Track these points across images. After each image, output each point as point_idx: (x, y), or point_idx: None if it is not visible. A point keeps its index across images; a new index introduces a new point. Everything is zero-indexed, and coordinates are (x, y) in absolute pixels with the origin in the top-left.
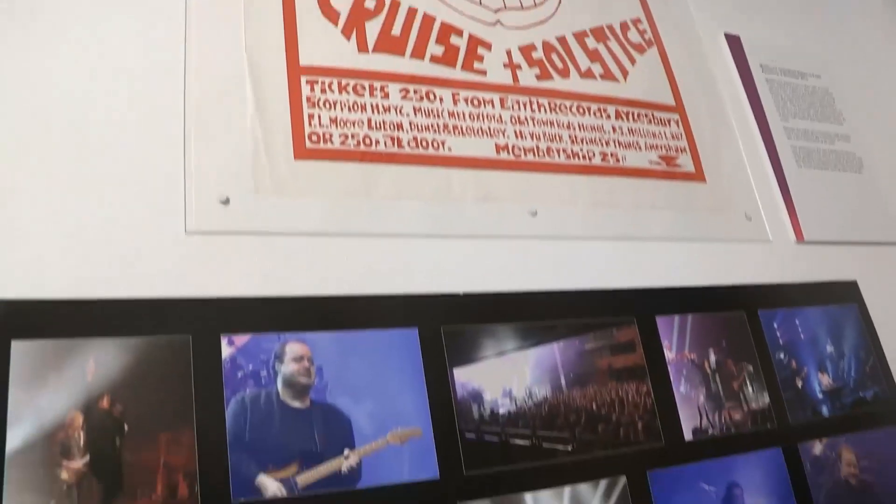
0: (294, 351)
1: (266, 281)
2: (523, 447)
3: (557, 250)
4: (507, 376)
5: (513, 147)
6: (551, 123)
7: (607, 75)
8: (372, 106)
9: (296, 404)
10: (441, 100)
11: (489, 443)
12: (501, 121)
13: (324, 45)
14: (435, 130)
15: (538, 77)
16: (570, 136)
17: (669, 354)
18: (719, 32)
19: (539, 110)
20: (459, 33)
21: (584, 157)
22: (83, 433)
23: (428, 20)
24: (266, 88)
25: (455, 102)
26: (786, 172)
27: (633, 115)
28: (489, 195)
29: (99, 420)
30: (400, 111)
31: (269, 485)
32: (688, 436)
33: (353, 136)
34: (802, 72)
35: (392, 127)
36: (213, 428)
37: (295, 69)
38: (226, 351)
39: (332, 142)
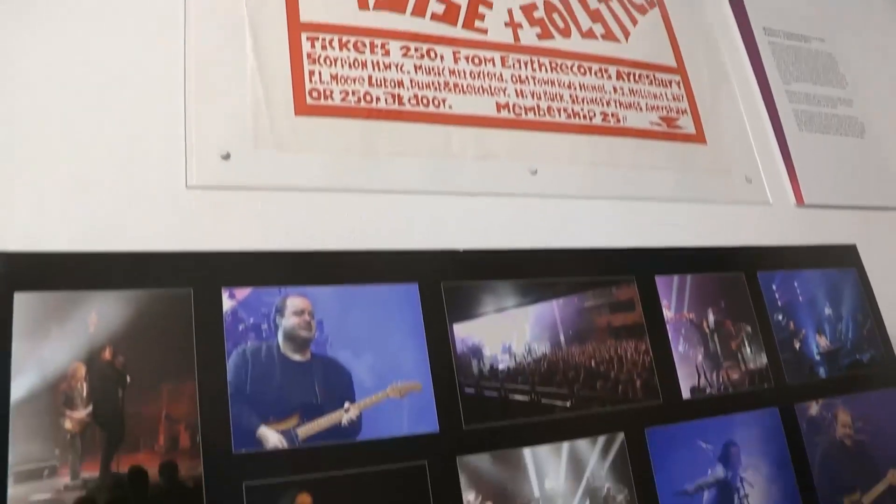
0: (295, 305)
1: (267, 235)
2: (522, 403)
3: (557, 209)
4: (506, 332)
5: (513, 106)
6: (552, 83)
7: (608, 35)
8: (373, 63)
9: (296, 357)
10: (442, 58)
11: (488, 398)
12: (502, 79)
13: (325, 1)
14: (435, 88)
15: (539, 36)
16: (570, 96)
17: (668, 314)
18: None
19: (540, 69)
20: None
21: (584, 116)
22: (86, 384)
23: None
24: (267, 45)
25: (456, 61)
26: (787, 136)
27: (634, 75)
28: (489, 153)
29: (101, 371)
30: (400, 69)
31: (270, 436)
32: (686, 394)
33: (353, 93)
34: (806, 35)
35: (392, 84)
36: (214, 380)
37: (295, 26)
38: (227, 304)
39: (332, 98)
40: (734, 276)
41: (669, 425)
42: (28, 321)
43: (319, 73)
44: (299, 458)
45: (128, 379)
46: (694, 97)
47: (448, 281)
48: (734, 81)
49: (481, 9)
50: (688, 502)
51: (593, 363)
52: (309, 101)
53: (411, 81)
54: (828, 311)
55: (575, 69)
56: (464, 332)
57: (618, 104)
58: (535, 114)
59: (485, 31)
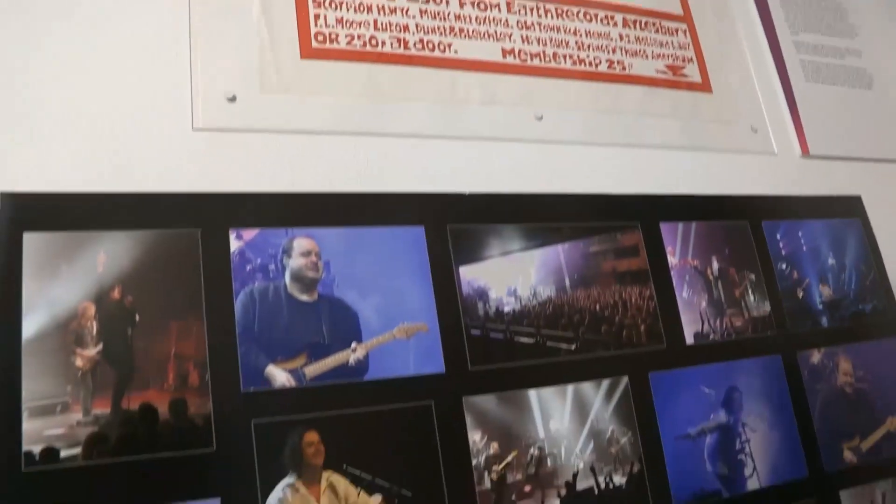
0: (302, 246)
1: (273, 177)
2: (527, 345)
3: (562, 155)
4: (512, 275)
5: (519, 51)
6: (558, 29)
7: None
8: (378, 7)
9: (303, 297)
10: (447, 2)
11: (494, 340)
12: (508, 25)
13: None
14: (441, 33)
15: None
16: (576, 43)
17: (672, 260)
18: None
19: (546, 16)
20: None
21: (590, 63)
22: (95, 323)
23: None
24: None
25: (461, 5)
26: (793, 86)
27: (640, 23)
28: (494, 98)
29: (110, 310)
30: (406, 13)
31: (278, 375)
32: (689, 340)
33: (359, 37)
34: None
35: (398, 28)
36: (222, 319)
37: None
38: (234, 245)
39: (338, 42)
40: (738, 225)
41: (673, 370)
42: (37, 261)
43: (325, 17)
44: (307, 397)
45: (137, 318)
46: (700, 46)
47: (454, 224)
48: (741, 31)
49: None
50: (690, 446)
51: (598, 307)
52: (314, 44)
53: (417, 26)
54: (831, 261)
55: (581, 16)
56: (470, 275)
57: (624, 52)
58: (540, 60)
59: None
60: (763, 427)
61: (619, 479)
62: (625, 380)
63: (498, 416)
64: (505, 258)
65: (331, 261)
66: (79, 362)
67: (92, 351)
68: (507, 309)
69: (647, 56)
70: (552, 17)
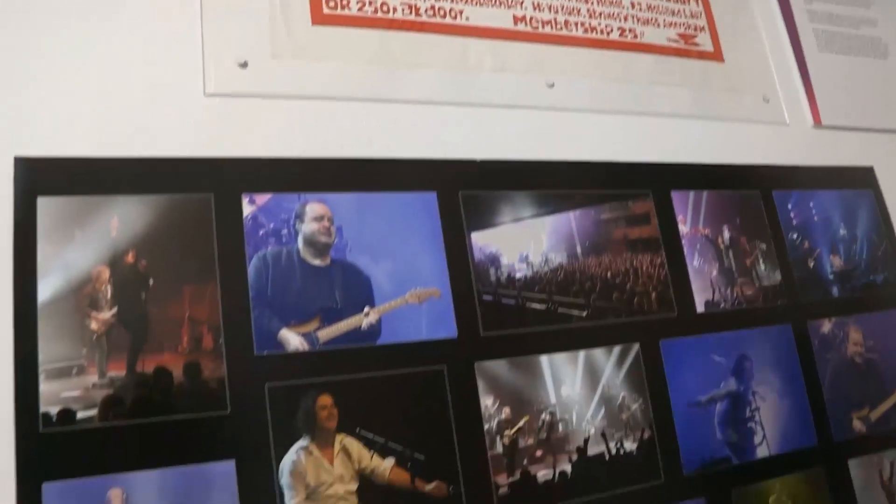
0: (314, 211)
1: (286, 143)
2: (539, 311)
3: (573, 122)
4: (523, 242)
5: (530, 19)
6: None
7: None
8: None
9: (316, 262)
10: None
11: (506, 305)
12: None
13: None
14: None
15: None
16: (587, 10)
17: (684, 228)
18: None
19: None
20: None
21: (601, 31)
22: (110, 286)
23: None
24: None
25: None
26: (806, 56)
27: None
28: (506, 65)
29: (125, 274)
30: None
31: (291, 339)
32: (700, 308)
33: (370, 3)
34: None
35: None
36: (235, 283)
37: None
38: (247, 209)
39: (349, 8)
40: (750, 195)
41: (684, 338)
42: (52, 225)
43: None
44: (320, 361)
45: (150, 282)
46: (713, 15)
47: (466, 190)
48: None
49: None
50: (700, 413)
51: (609, 275)
52: (326, 10)
53: None
54: (843, 231)
55: None
56: (481, 241)
57: (635, 20)
58: (552, 27)
59: None
60: (773, 395)
61: (629, 445)
62: (636, 347)
63: (510, 381)
64: (516, 225)
65: (343, 226)
66: (94, 325)
67: (107, 314)
68: (518, 275)
69: (658, 24)
70: None
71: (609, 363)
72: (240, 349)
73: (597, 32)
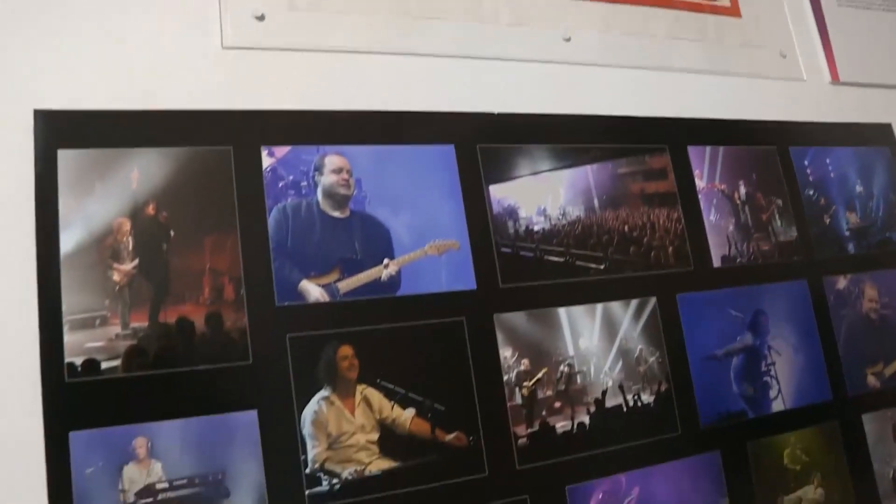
0: (333, 163)
1: (303, 95)
2: (557, 263)
3: (590, 76)
4: (541, 195)
5: None
6: None
7: None
8: None
9: (336, 214)
10: None
11: (524, 258)
12: None
13: None
14: None
15: None
16: None
17: (700, 183)
18: None
19: None
20: None
21: None
22: (131, 238)
23: None
24: None
25: None
26: (824, 10)
27: None
28: (522, 19)
29: (145, 226)
30: None
31: (312, 290)
32: (716, 263)
33: None
34: None
35: None
36: (255, 235)
37: None
38: (266, 161)
39: None
40: (766, 150)
41: (700, 292)
42: (72, 177)
43: None
44: (341, 312)
45: (171, 233)
46: None
47: (483, 143)
48: None
49: None
50: (716, 367)
51: (626, 228)
52: None
53: None
54: (859, 188)
55: None
56: (499, 194)
57: None
58: None
59: None
60: (788, 350)
61: (646, 398)
62: (653, 300)
63: (528, 333)
64: (534, 178)
65: (362, 178)
66: (116, 277)
67: (128, 266)
68: (536, 228)
69: None
70: None
71: (626, 316)
72: (261, 300)
73: None
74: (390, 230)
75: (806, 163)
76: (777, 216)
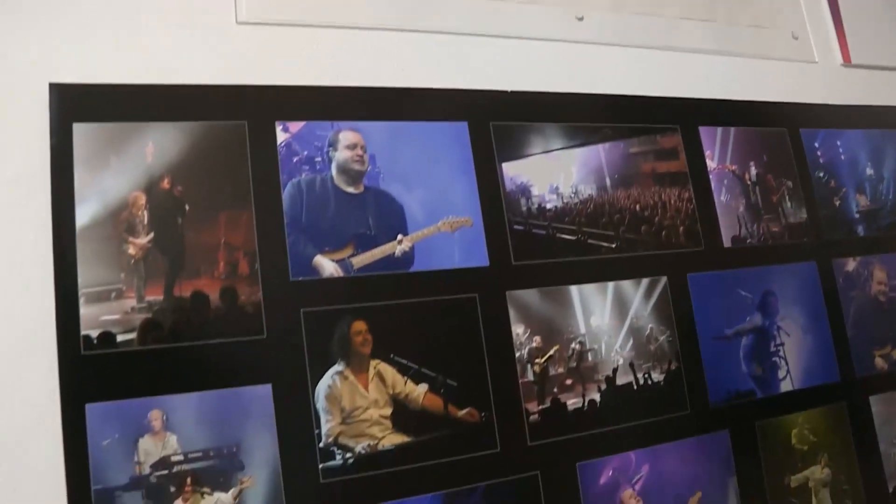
0: (347, 139)
1: (318, 71)
2: (569, 241)
3: (603, 55)
4: (553, 173)
5: None
6: None
7: None
8: None
9: (350, 189)
10: None
11: (537, 235)
12: None
13: None
14: None
15: None
16: None
17: (711, 164)
18: None
19: None
20: None
21: None
22: (146, 212)
23: None
24: None
25: None
26: None
27: None
28: None
29: (161, 200)
30: None
31: (326, 265)
32: (727, 243)
33: None
34: None
35: None
36: (270, 210)
37: None
38: (281, 137)
39: None
40: (777, 132)
41: (710, 272)
42: (88, 151)
43: None
44: (354, 287)
45: (186, 207)
46: None
47: (497, 121)
48: None
49: None
50: (726, 346)
51: (638, 208)
52: None
53: None
54: (869, 171)
55: None
56: (512, 171)
57: None
58: None
59: None
60: (797, 331)
61: (657, 376)
62: (664, 279)
63: (540, 310)
64: (547, 156)
65: (376, 154)
66: (131, 250)
67: (143, 239)
68: (549, 206)
69: None
70: None
71: (637, 295)
72: (275, 275)
73: None
74: (404, 206)
75: (816, 145)
76: (787, 198)
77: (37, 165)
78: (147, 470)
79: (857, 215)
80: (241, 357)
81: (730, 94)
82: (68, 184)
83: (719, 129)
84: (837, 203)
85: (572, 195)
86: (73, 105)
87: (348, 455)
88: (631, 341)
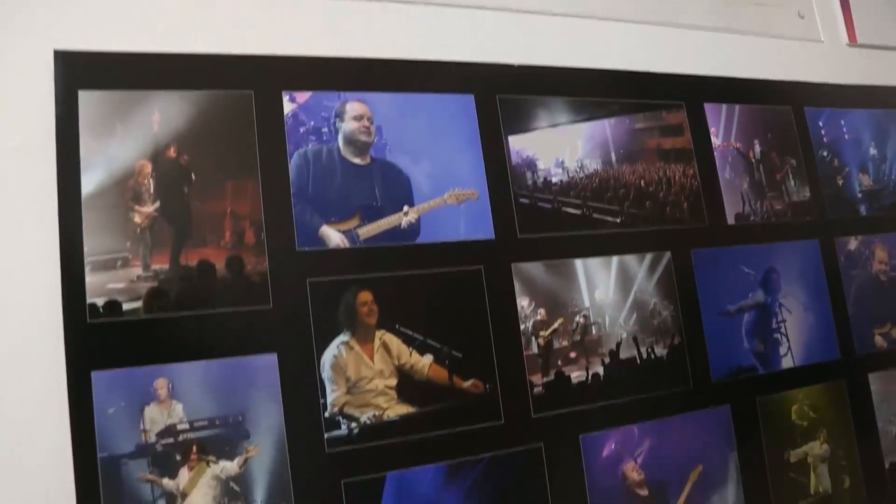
0: (354, 110)
1: (326, 42)
2: (574, 215)
3: (610, 31)
4: (559, 147)
5: None
6: None
7: None
8: None
9: (356, 160)
10: None
11: (542, 208)
12: None
13: None
14: None
15: None
16: None
17: (716, 141)
18: None
19: None
20: None
21: None
22: (152, 180)
23: None
24: None
25: None
26: None
27: None
28: None
29: (167, 168)
30: None
31: (332, 235)
32: (730, 220)
33: None
34: None
35: None
36: (276, 179)
37: None
38: (287, 107)
39: None
40: (782, 110)
41: (714, 248)
42: (93, 119)
43: None
44: (360, 258)
45: (192, 176)
46: None
47: (503, 94)
48: None
49: None
50: (728, 322)
51: (642, 183)
52: None
53: None
54: (873, 151)
55: None
56: (518, 145)
57: None
58: None
59: None
60: (798, 309)
61: (660, 351)
62: (667, 255)
63: (545, 283)
64: (553, 130)
65: (383, 125)
66: (137, 219)
67: (149, 208)
68: (554, 179)
69: None
70: None
71: (641, 270)
72: (281, 245)
73: None
74: (410, 178)
75: (821, 124)
76: (791, 176)
77: (42, 134)
78: (153, 438)
79: (859, 195)
80: (247, 326)
81: (735, 72)
82: (74, 152)
83: (724, 107)
84: (840, 182)
85: (578, 169)
86: (79, 73)
87: (353, 425)
88: (634, 315)
